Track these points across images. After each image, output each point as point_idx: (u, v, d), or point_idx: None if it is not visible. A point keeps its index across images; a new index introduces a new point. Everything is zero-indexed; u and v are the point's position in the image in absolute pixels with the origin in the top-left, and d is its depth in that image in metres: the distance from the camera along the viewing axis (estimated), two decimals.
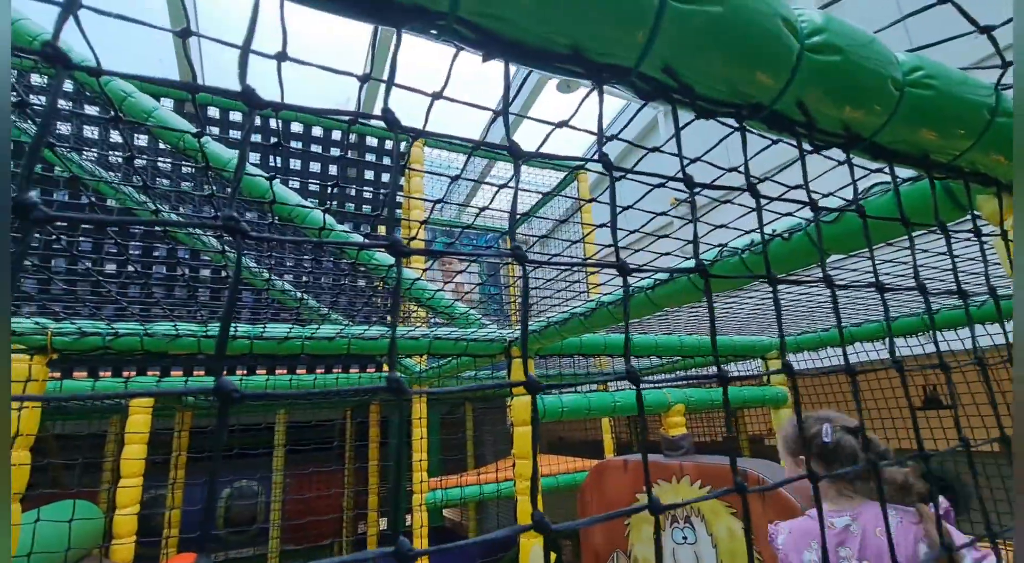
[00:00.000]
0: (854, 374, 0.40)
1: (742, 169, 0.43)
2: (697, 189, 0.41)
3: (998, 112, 0.50)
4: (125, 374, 2.62)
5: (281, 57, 0.42)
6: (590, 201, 0.93)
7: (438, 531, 5.08)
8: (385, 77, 0.32)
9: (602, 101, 0.36)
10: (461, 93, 0.50)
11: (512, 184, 0.39)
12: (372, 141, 3.34)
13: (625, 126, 1.10)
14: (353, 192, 3.32)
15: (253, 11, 0.27)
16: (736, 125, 0.42)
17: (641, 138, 6.12)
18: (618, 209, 0.41)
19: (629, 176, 0.44)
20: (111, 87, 1.18)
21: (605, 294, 1.38)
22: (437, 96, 0.49)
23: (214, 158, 1.34)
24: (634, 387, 0.33)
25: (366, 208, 3.34)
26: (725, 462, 1.89)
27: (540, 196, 4.09)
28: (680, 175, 0.41)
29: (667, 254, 1.29)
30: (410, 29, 0.30)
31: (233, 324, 1.47)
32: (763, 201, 0.45)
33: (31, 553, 1.59)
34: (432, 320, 2.62)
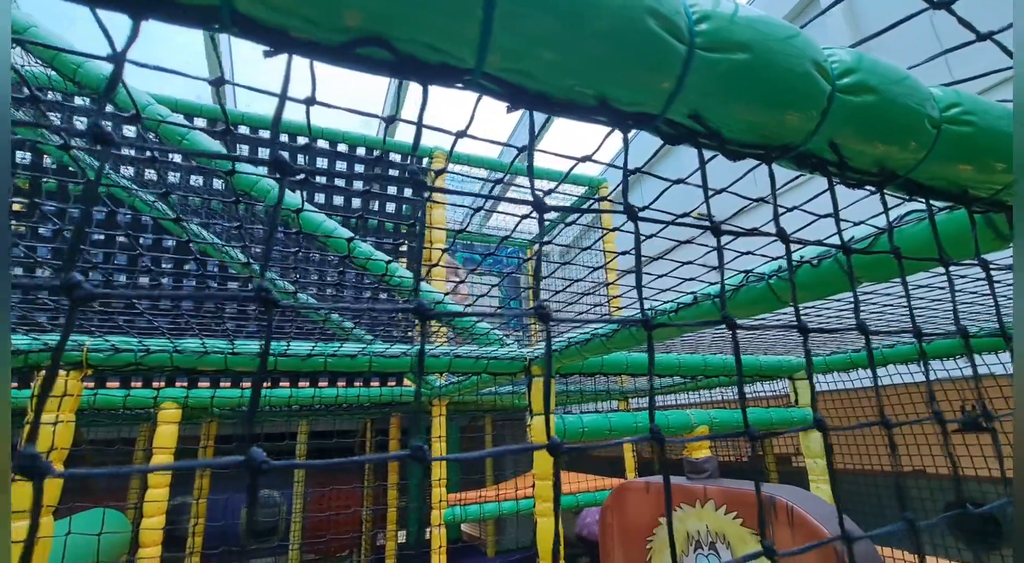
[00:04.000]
0: (889, 426, 0.39)
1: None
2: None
3: None
4: (155, 384, 2.69)
5: (310, 101, 0.43)
6: (612, 224, 0.93)
7: (456, 545, 5.04)
8: (399, 112, 0.32)
9: (627, 149, 0.36)
10: (480, 109, 0.50)
11: (535, 216, 0.39)
12: (396, 156, 3.40)
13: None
14: (376, 206, 3.37)
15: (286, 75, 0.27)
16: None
17: (659, 158, 6.08)
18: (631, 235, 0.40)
19: (648, 192, 0.43)
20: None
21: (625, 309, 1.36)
22: (461, 134, 0.49)
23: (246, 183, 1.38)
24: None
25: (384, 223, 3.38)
26: (752, 487, 1.83)
27: (563, 207, 4.09)
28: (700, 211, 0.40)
29: (689, 262, 1.28)
30: (437, 85, 0.30)
31: (258, 341, 1.50)
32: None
33: None
34: (453, 337, 2.63)
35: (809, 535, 1.59)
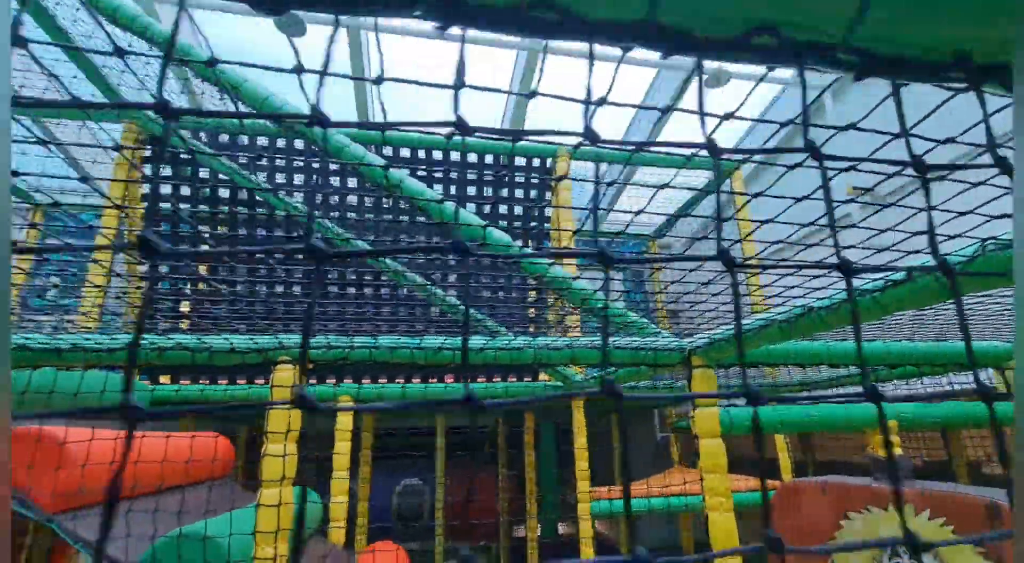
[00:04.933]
0: None
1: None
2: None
3: None
4: (329, 380, 3.08)
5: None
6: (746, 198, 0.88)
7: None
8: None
9: (983, 101, 0.35)
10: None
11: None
12: (520, 161, 3.53)
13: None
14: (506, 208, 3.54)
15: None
16: None
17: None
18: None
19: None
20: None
21: (807, 297, 1.28)
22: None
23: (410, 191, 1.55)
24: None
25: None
26: (957, 490, 1.61)
27: (689, 196, 3.92)
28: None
29: (851, 247, 1.17)
30: (798, 65, 0.32)
31: (440, 336, 1.65)
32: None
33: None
34: (588, 325, 2.65)
35: None
